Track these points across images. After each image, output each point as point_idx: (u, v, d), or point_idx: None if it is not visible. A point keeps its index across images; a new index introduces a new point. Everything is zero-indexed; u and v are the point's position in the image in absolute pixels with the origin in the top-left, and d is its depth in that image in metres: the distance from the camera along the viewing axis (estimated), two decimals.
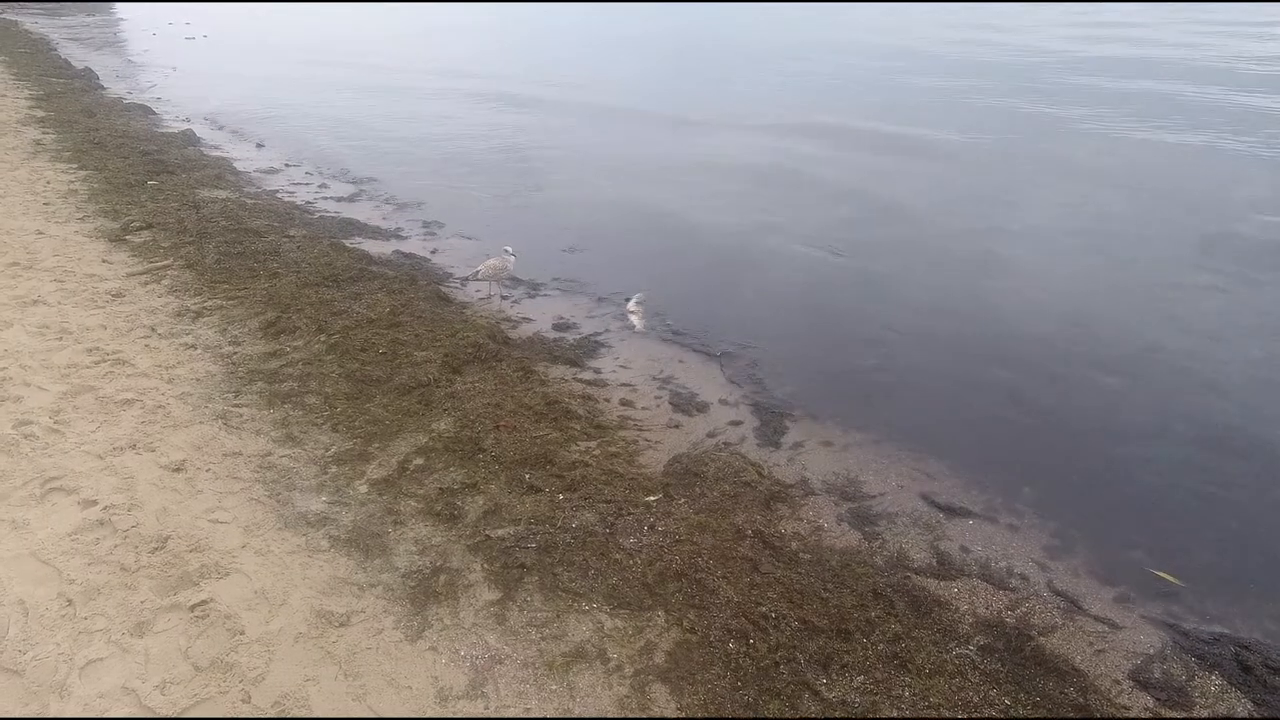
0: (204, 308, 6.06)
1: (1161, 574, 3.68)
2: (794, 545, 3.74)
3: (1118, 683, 3.07)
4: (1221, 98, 14.12)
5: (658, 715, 2.83)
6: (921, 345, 5.98)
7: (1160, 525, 4.04)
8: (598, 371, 5.54)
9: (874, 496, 4.19)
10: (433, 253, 7.92)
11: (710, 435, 4.74)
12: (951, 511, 4.07)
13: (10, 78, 16.82)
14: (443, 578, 3.42)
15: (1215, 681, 3.08)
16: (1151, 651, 3.23)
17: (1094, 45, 21.34)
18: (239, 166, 11.01)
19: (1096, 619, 3.39)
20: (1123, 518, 4.09)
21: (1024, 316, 6.42)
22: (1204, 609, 3.48)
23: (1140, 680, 3.08)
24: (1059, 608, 3.44)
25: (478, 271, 6.72)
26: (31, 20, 31.28)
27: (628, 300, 6.55)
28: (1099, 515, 4.08)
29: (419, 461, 4.25)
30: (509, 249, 6.69)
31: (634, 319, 6.32)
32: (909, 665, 3.04)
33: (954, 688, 2.95)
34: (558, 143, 12.98)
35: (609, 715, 2.81)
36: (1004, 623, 3.32)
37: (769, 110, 14.72)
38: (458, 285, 7.06)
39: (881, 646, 3.12)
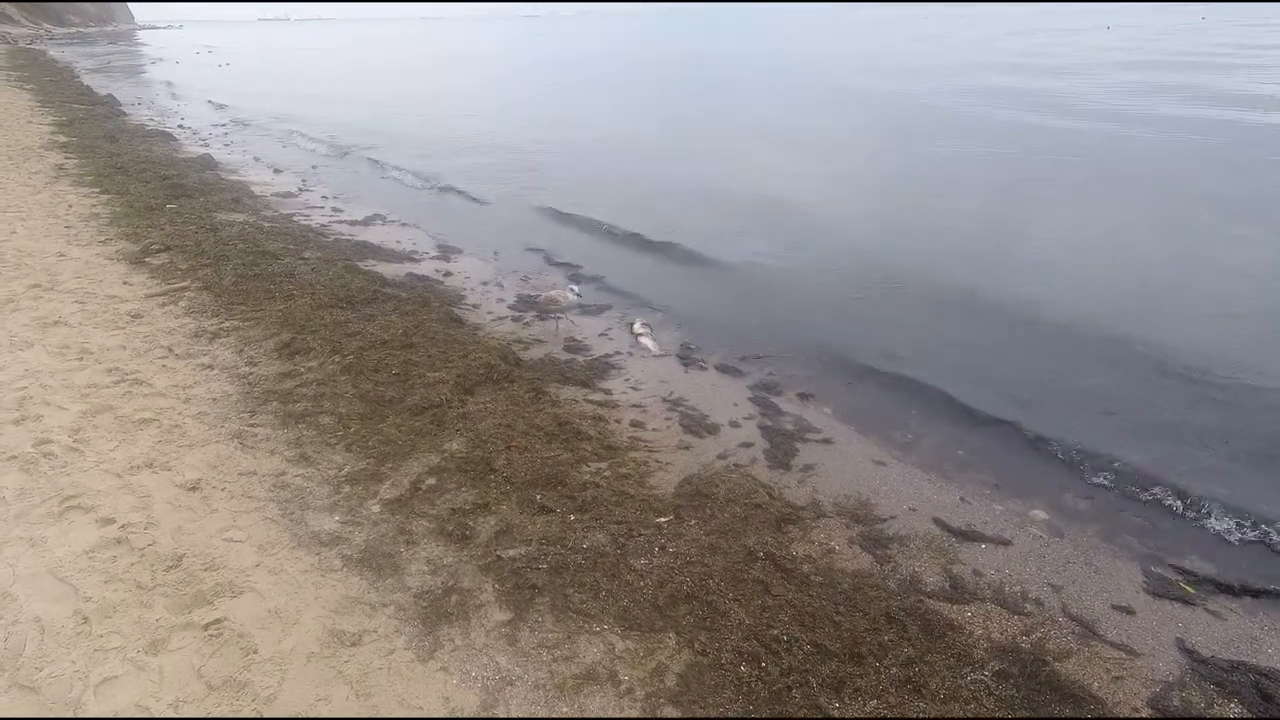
0: (221, 329, 6.15)
1: (1184, 585, 3.68)
2: (805, 568, 3.72)
3: (1136, 710, 3.02)
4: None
5: None
6: (932, 368, 5.97)
7: (1180, 549, 4.00)
8: (608, 392, 5.56)
9: (885, 519, 4.17)
10: (445, 275, 8.02)
11: (721, 457, 4.74)
12: (964, 535, 4.05)
13: (36, 104, 17.27)
14: (454, 598, 3.42)
15: (1235, 710, 3.03)
16: (1170, 679, 3.18)
17: None
18: (256, 190, 11.23)
19: (1113, 645, 3.35)
20: (1138, 542, 4.04)
21: (1035, 338, 6.42)
22: (1224, 635, 3.43)
23: (1159, 708, 3.03)
24: (1075, 633, 3.40)
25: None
26: (58, 49, 32.13)
27: (631, 324, 6.62)
28: (1113, 539, 4.04)
29: (431, 481, 4.27)
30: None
31: (645, 340, 6.37)
32: (923, 690, 3.01)
33: (969, 713, 2.92)
34: (562, 173, 13.17)
35: None
36: (1019, 648, 3.28)
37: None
38: (470, 307, 7.14)
39: (895, 670, 3.10)
